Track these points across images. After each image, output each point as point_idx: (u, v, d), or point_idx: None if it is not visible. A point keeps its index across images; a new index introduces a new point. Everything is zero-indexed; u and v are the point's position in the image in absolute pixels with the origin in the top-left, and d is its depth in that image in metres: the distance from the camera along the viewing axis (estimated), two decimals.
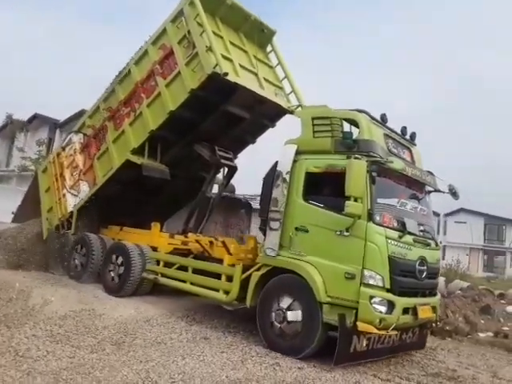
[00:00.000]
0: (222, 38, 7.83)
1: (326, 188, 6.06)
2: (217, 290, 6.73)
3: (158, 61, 8.05)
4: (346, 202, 5.17)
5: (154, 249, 8.16)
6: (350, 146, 5.62)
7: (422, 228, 6.12)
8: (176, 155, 8.78)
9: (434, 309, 6.08)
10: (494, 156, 78.04)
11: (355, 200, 5.20)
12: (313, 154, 5.95)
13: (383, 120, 6.15)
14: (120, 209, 9.44)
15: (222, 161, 8.90)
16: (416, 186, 6.30)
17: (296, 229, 5.82)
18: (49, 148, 27.31)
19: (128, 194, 9.44)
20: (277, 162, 6.18)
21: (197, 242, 7.97)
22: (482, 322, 9.17)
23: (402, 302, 5.34)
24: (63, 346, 4.83)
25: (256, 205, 23.65)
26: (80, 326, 5.70)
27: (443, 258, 41.64)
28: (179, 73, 7.62)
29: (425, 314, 5.76)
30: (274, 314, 5.76)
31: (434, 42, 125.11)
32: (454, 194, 6.49)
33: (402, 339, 5.93)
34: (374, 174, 5.44)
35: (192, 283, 7.22)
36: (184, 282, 7.35)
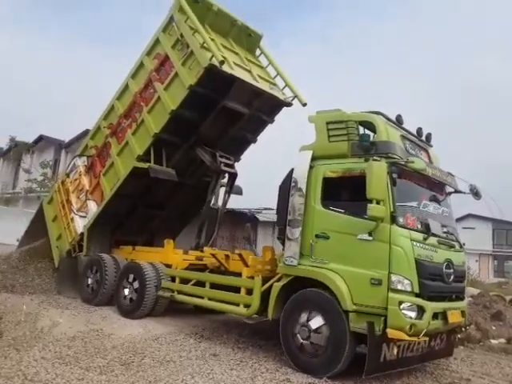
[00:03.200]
0: (213, 40, 8.00)
1: (344, 193, 5.97)
2: (236, 304, 6.52)
3: (154, 69, 8.38)
4: (368, 205, 5.02)
5: (169, 266, 7.99)
6: (367, 149, 5.48)
7: (445, 229, 5.95)
8: (181, 160, 8.89)
9: (462, 313, 5.89)
10: (497, 159, 77.66)
11: (377, 203, 5.04)
12: (329, 158, 5.84)
13: (399, 121, 6.04)
14: (129, 227, 9.55)
15: (223, 167, 8.90)
16: (436, 187, 6.16)
17: (316, 236, 5.66)
18: (55, 169, 27.58)
19: (136, 211, 9.45)
20: (292, 170, 6.08)
21: (212, 256, 7.81)
22: (494, 328, 9.02)
23: (431, 306, 5.16)
24: (72, 367, 4.80)
25: (263, 217, 23.71)
26: (89, 347, 5.66)
27: None
28: (176, 74, 7.90)
29: (455, 318, 5.57)
30: (298, 329, 5.54)
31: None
32: (475, 194, 6.21)
33: (431, 346, 5.73)
34: (394, 175, 5.31)
35: (210, 298, 7.01)
36: (202, 297, 7.14)
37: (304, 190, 5.83)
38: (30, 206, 27.94)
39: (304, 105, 8.51)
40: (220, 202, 9.38)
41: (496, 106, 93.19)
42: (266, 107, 8.84)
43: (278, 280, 6.03)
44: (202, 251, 8.33)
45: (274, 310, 5.90)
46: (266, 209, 20.59)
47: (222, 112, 8.32)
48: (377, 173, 5.03)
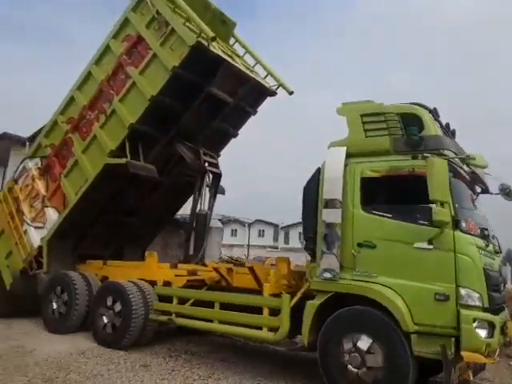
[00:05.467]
0: None
1: (389, 194, 5.24)
2: (258, 328, 5.58)
3: (125, 52, 7.44)
4: (433, 208, 4.40)
5: (153, 283, 6.83)
6: (416, 144, 4.84)
7: (492, 233, 5.36)
8: (157, 156, 7.86)
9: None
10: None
11: (441, 205, 4.42)
12: (367, 156, 5.13)
13: (437, 114, 5.41)
14: (94, 238, 8.38)
15: (207, 167, 8.14)
16: (474, 187, 5.65)
17: (359, 245, 4.91)
18: None
19: (104, 217, 8.22)
20: (319, 170, 5.33)
21: (215, 270, 6.80)
22: None
23: (498, 320, 4.58)
24: None
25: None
26: (8, 365, 5.32)
27: None
28: (154, 56, 7.05)
29: (511, 330, 5.00)
30: (346, 355, 4.70)
31: None
32: (507, 194, 5.35)
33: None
34: (450, 174, 4.65)
35: (221, 322, 5.95)
36: (210, 320, 6.08)
37: (339, 193, 5.06)
38: None
39: (291, 93, 8.01)
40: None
41: None
42: (251, 96, 8.16)
43: (307, 297, 5.26)
44: (203, 264, 7.36)
45: (310, 334, 5.04)
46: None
47: (205, 100, 7.52)
48: (439, 171, 4.45)
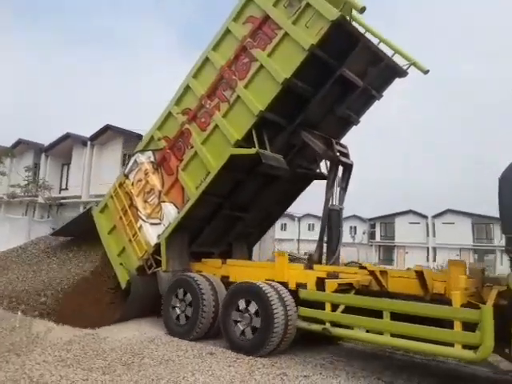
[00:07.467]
0: None
1: None
2: (449, 345, 4.74)
3: (249, 34, 6.96)
4: None
5: (285, 285, 6.24)
6: None
7: None
8: (281, 146, 7.25)
9: None
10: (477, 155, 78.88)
11: None
12: None
13: None
14: (208, 235, 7.86)
15: (341, 158, 7.44)
16: None
17: None
18: (35, 174, 27.26)
19: (221, 212, 7.69)
20: None
21: (370, 273, 5.85)
22: None
23: None
24: (75, 369, 4.87)
25: None
26: (87, 350, 5.69)
27: (434, 260, 42.30)
28: (286, 35, 6.51)
29: None
30: None
31: None
32: None
33: None
34: None
35: (394, 335, 5.11)
36: (379, 333, 5.29)
37: None
38: (12, 211, 27.63)
39: (426, 72, 7.24)
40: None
41: None
42: (380, 78, 7.40)
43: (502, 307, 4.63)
44: (361, 266, 6.36)
45: None
46: None
47: (336, 84, 6.83)
48: None
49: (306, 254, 20.08)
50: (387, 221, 52.42)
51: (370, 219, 53.44)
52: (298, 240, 42.20)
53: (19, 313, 7.26)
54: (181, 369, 5.14)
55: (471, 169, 76.05)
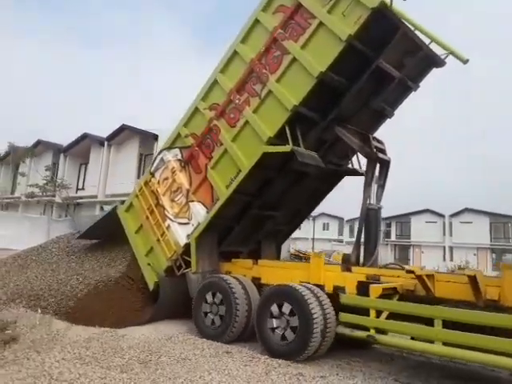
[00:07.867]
0: None
1: None
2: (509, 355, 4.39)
3: (280, 25, 6.63)
4: None
5: (321, 288, 6.01)
6: None
7: None
8: (314, 143, 6.96)
9: None
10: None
11: None
12: None
13: None
14: (237, 234, 7.60)
15: (378, 154, 7.12)
16: None
17: None
18: (54, 173, 27.73)
19: (250, 211, 7.46)
20: None
21: (417, 277, 5.38)
22: None
23: None
24: (93, 367, 4.92)
25: None
26: (106, 348, 5.71)
27: (451, 260, 41.79)
28: (320, 25, 6.18)
29: None
30: None
31: None
32: None
33: None
34: None
35: (447, 344, 4.81)
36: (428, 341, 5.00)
37: None
38: (30, 211, 28.17)
39: (465, 62, 6.64)
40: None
41: None
42: (417, 68, 7.04)
43: None
44: (408, 270, 5.73)
45: None
46: None
47: (372, 76, 6.49)
48: None
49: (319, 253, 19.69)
50: (403, 220, 51.98)
51: (386, 218, 53.04)
52: (313, 239, 42.14)
53: (39, 310, 7.37)
54: (197, 368, 5.16)
55: (489, 168, 74.85)
